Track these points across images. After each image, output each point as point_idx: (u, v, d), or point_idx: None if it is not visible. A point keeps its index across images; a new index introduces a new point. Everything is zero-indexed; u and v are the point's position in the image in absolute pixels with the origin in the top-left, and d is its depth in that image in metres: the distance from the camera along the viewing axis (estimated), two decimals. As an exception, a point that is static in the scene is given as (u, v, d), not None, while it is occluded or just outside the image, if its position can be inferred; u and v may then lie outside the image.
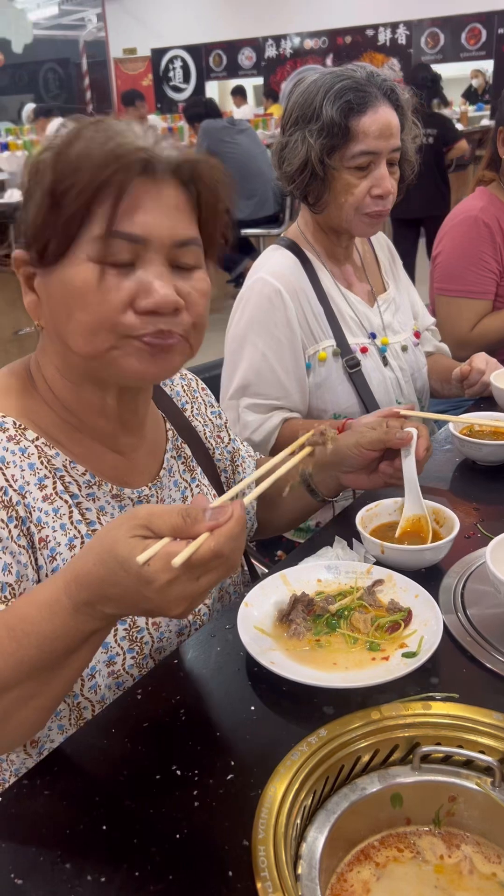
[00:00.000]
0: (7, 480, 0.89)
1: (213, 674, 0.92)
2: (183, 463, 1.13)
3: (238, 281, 5.95)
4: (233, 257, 5.88)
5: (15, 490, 0.90)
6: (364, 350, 1.65)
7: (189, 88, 14.66)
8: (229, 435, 1.27)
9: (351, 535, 1.14)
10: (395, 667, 0.88)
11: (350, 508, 1.26)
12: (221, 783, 0.76)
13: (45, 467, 0.93)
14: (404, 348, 1.73)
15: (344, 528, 1.18)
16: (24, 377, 0.98)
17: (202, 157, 0.90)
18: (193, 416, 1.20)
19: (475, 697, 0.84)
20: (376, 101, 1.47)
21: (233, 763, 0.78)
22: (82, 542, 0.95)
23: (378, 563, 1.08)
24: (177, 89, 14.87)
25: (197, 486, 1.13)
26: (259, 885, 0.64)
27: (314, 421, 1.52)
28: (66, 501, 0.95)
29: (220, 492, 1.20)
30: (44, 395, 0.97)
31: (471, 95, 11.40)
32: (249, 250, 6.18)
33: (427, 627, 0.93)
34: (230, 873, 0.67)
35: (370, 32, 12.51)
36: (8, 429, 0.92)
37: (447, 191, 5.68)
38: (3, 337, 5.44)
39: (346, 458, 1.19)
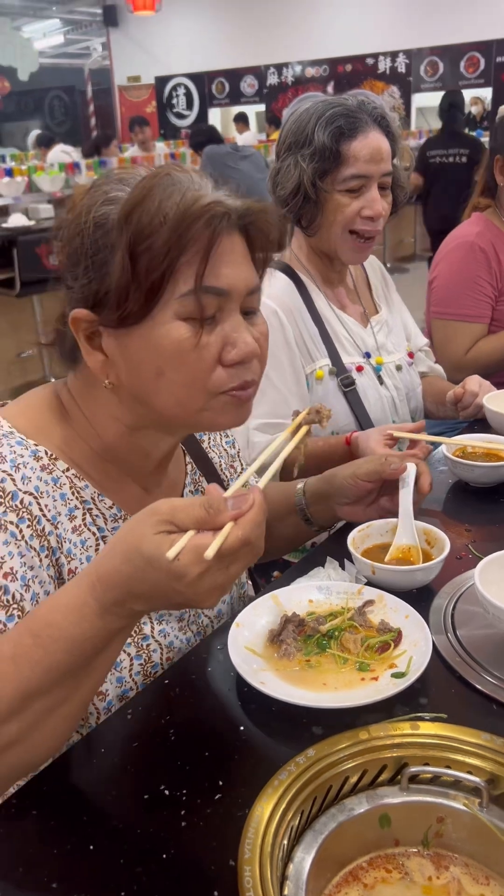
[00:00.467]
0: (41, 510, 0.89)
1: (203, 694, 0.92)
2: (201, 494, 1.14)
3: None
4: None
5: (48, 520, 0.90)
6: (360, 369, 1.67)
7: (192, 115, 14.88)
8: (242, 465, 1.28)
9: (343, 555, 1.15)
10: (384, 687, 0.89)
11: (343, 529, 1.26)
12: (209, 803, 0.76)
13: (76, 498, 0.94)
14: (399, 367, 1.75)
15: (336, 549, 1.18)
16: (55, 407, 0.97)
17: (258, 203, 0.91)
18: (210, 447, 1.21)
19: (464, 718, 0.84)
20: (367, 126, 1.51)
21: (221, 783, 0.78)
22: None
23: (369, 583, 1.08)
24: (180, 116, 15.09)
25: None
26: (244, 905, 0.64)
27: (322, 438, 1.54)
28: (94, 533, 0.95)
29: None
30: (78, 427, 0.96)
31: (470, 122, 11.54)
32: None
33: (416, 648, 0.94)
34: (215, 893, 0.67)
35: (370, 61, 12.72)
36: (42, 458, 0.91)
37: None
38: (6, 359, 5.48)
39: (342, 488, 1.21)
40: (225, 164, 6.22)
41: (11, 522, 0.86)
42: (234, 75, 14.19)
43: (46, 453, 0.92)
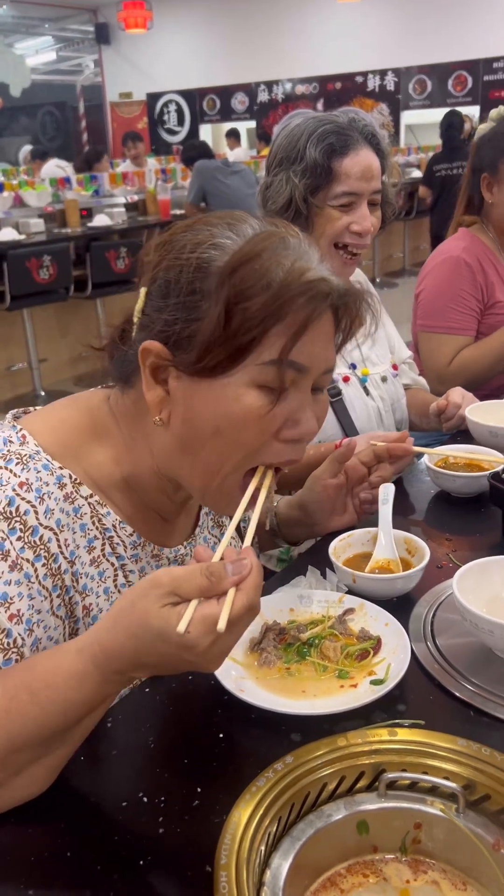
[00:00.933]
0: (60, 547, 0.87)
1: (183, 702, 0.93)
2: (212, 519, 1.14)
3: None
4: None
5: (65, 557, 0.88)
6: (346, 379, 1.69)
7: (183, 131, 15.01)
8: None
9: (325, 564, 1.16)
10: (362, 694, 0.89)
11: (325, 539, 1.27)
12: (187, 810, 0.77)
13: (96, 527, 0.92)
14: (384, 379, 1.77)
15: (318, 558, 1.19)
16: (88, 426, 0.95)
17: (358, 287, 0.91)
18: None
19: (441, 724, 0.84)
20: (357, 144, 1.53)
21: (199, 790, 0.79)
22: None
23: (350, 592, 1.09)
24: (171, 132, 15.21)
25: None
26: (219, 910, 0.64)
27: (311, 446, 1.55)
28: (112, 564, 0.94)
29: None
30: (112, 450, 0.94)
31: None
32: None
33: (395, 655, 0.94)
34: (192, 899, 0.67)
35: (359, 79, 12.88)
36: (66, 485, 0.89)
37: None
38: (-5, 372, 5.49)
39: (315, 502, 1.24)
40: (215, 179, 6.29)
41: (27, 560, 0.84)
42: (225, 92, 14.33)
43: (71, 478, 0.90)
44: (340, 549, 1.17)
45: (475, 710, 0.89)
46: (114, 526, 0.94)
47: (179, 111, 15.06)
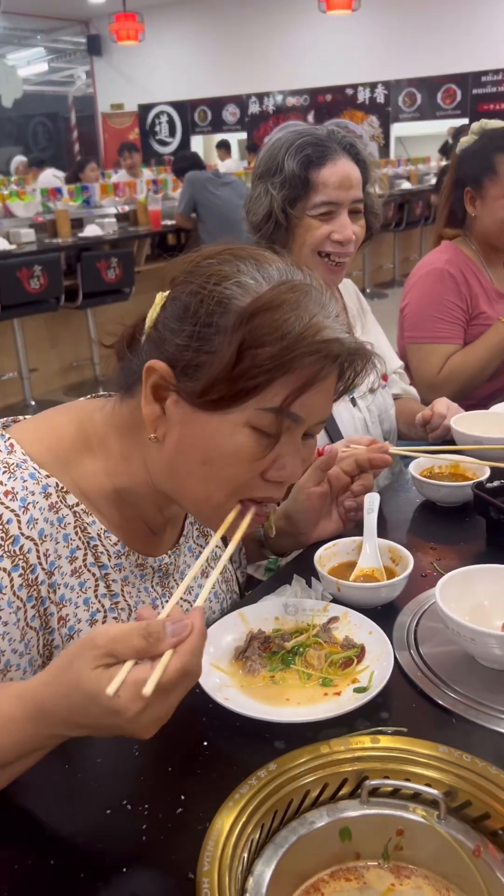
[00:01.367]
0: (39, 557, 0.88)
1: (168, 710, 0.93)
2: (198, 528, 1.14)
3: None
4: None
5: (44, 568, 0.88)
6: None
7: (175, 142, 15.08)
8: None
9: (310, 573, 1.17)
10: (345, 701, 0.90)
11: (310, 548, 1.28)
12: (170, 817, 0.77)
13: (79, 537, 0.92)
14: (372, 390, 1.78)
15: (303, 567, 1.20)
16: (79, 436, 0.95)
17: (367, 349, 0.92)
18: None
19: (424, 731, 0.85)
20: (335, 154, 1.55)
21: (182, 797, 0.79)
22: (104, 617, 0.95)
23: (335, 600, 1.10)
24: (163, 143, 15.29)
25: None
26: (201, 917, 0.64)
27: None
28: (94, 574, 0.94)
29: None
30: (104, 461, 0.95)
31: (447, 151, 11.81)
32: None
33: (379, 663, 0.95)
34: (174, 906, 0.68)
35: (350, 91, 12.99)
36: (51, 494, 0.89)
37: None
38: (-15, 382, 5.49)
39: (301, 512, 1.25)
40: (206, 189, 6.32)
41: (3, 569, 0.84)
42: (217, 104, 14.42)
43: (57, 487, 0.90)
44: (325, 557, 1.18)
45: (457, 718, 0.90)
46: (98, 535, 0.94)
47: (171, 122, 15.15)
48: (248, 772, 0.78)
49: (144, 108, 15.30)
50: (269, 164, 1.58)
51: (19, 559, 0.86)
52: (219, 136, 13.49)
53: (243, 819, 0.74)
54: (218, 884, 0.68)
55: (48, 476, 0.90)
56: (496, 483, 1.36)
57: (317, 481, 1.24)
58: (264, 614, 1.07)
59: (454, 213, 2.21)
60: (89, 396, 1.03)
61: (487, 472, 1.41)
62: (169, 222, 6.89)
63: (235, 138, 13.80)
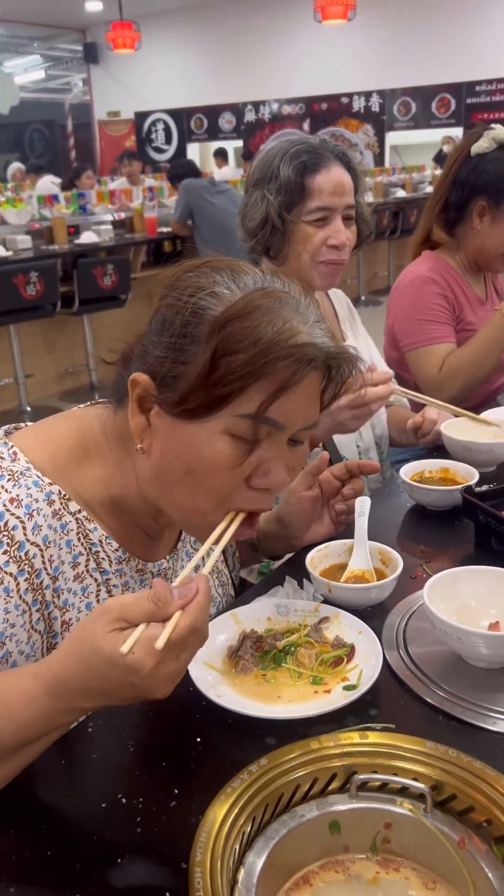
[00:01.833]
0: (44, 562, 0.89)
1: (162, 707, 0.95)
2: None
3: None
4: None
5: (48, 573, 0.90)
6: None
7: (171, 150, 15.15)
8: None
9: (302, 574, 1.19)
10: (335, 699, 0.92)
11: (302, 550, 1.31)
12: (164, 810, 0.79)
13: (82, 543, 0.94)
14: (363, 395, 1.80)
15: (295, 569, 1.23)
16: (79, 445, 0.97)
17: (349, 353, 0.92)
18: None
19: (411, 728, 0.88)
20: (329, 161, 1.59)
21: (176, 791, 0.81)
22: None
23: (326, 601, 1.13)
24: (159, 150, 15.35)
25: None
26: (194, 905, 0.66)
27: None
28: (96, 579, 0.96)
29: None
30: (102, 470, 0.96)
31: (441, 160, 11.90)
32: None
33: (368, 662, 0.98)
34: (167, 894, 0.70)
35: (345, 100, 13.07)
36: (55, 501, 0.91)
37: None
38: (-19, 388, 5.50)
39: (294, 514, 1.27)
40: (201, 197, 6.36)
41: (10, 574, 0.86)
42: (213, 112, 14.50)
43: (60, 494, 0.92)
44: (317, 559, 1.21)
45: (444, 715, 0.92)
46: (100, 541, 0.96)
47: (167, 130, 15.22)
48: (240, 767, 0.80)
49: (141, 116, 15.38)
50: (265, 171, 1.62)
51: (25, 564, 0.88)
52: (215, 144, 13.55)
53: (235, 812, 0.76)
54: (210, 873, 0.70)
55: (51, 483, 0.92)
56: (485, 487, 1.39)
57: (308, 485, 1.27)
58: (256, 615, 1.10)
59: (447, 213, 2.16)
60: (89, 404, 1.05)
61: (476, 477, 1.44)
62: (165, 229, 6.92)
63: (231, 146, 13.86)
